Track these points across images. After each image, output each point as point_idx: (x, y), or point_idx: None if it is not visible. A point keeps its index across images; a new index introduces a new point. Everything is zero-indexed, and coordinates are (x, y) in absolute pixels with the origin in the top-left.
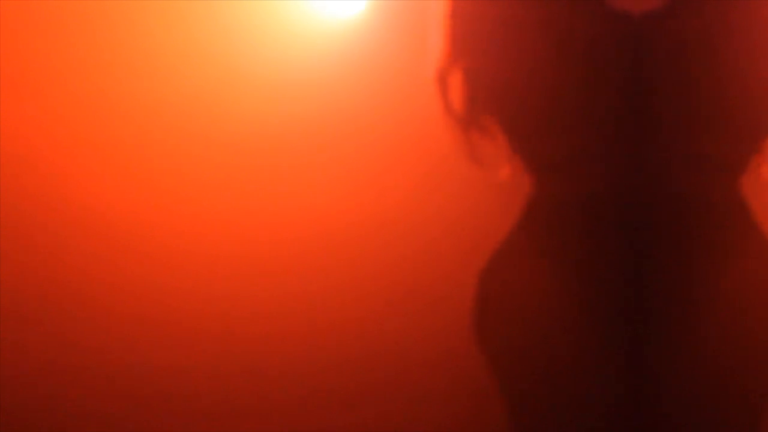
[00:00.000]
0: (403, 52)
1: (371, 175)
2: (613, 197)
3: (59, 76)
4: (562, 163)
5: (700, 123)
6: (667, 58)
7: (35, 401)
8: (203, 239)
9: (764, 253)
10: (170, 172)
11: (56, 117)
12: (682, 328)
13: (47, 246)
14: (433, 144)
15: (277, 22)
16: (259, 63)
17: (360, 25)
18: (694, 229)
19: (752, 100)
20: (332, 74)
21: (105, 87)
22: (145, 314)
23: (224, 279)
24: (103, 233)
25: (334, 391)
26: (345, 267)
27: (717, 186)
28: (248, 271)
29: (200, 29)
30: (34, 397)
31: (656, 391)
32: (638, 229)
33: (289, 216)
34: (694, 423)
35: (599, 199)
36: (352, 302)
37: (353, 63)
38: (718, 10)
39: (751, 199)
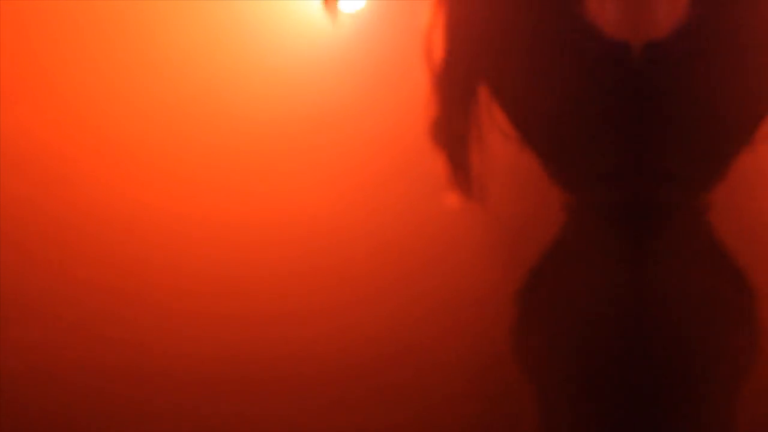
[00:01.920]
0: (403, 51)
1: (368, 172)
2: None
3: (66, 75)
4: (581, 179)
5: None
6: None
7: (43, 396)
8: (209, 234)
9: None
10: (174, 167)
11: (62, 113)
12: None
13: (58, 240)
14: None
15: (278, 21)
16: (260, 61)
17: (360, 24)
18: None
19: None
20: (332, 72)
21: (109, 84)
22: (148, 304)
23: (229, 270)
24: (109, 225)
25: (330, 386)
26: (345, 264)
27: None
28: (254, 262)
29: (201, 28)
30: (42, 392)
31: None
32: (653, 241)
33: (293, 208)
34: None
35: (611, 212)
36: (353, 299)
37: (353, 60)
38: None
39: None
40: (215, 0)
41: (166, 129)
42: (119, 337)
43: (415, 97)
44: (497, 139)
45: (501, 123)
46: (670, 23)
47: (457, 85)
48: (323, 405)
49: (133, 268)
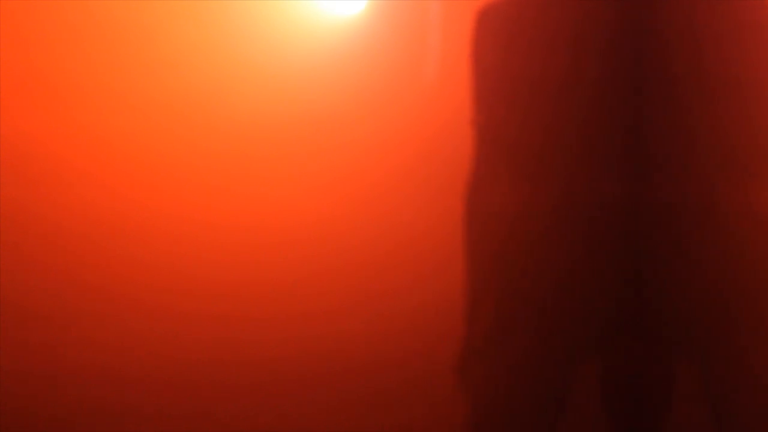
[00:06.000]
0: (403, 50)
1: (371, 174)
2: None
3: (65, 77)
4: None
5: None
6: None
7: (41, 398)
8: (210, 237)
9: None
10: (175, 169)
11: (60, 116)
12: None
13: (56, 243)
14: (429, 141)
15: (279, 20)
16: (261, 60)
17: (360, 24)
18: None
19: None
20: (333, 71)
21: (108, 87)
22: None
23: (230, 273)
24: (109, 228)
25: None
26: (348, 267)
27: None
28: (255, 265)
29: (201, 32)
30: (40, 394)
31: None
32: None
33: (293, 211)
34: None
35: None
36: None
37: (353, 60)
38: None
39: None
40: (215, 2)
41: (166, 131)
42: (116, 339)
43: (415, 98)
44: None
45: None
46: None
47: None
48: (322, 406)
49: (133, 271)
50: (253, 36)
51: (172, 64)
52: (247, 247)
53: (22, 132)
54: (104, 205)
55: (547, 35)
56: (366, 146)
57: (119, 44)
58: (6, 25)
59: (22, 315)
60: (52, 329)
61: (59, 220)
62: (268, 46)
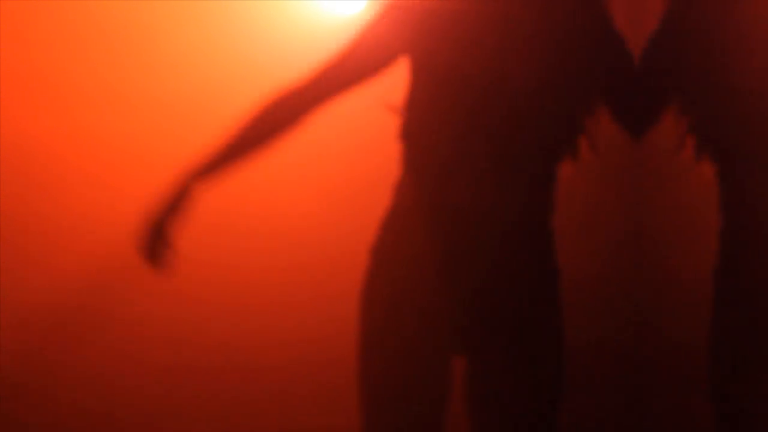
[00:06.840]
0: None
1: (365, 169)
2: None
3: (64, 77)
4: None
5: None
6: None
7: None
8: (210, 233)
9: None
10: (176, 166)
11: (59, 115)
12: None
13: (56, 241)
14: None
15: (279, 20)
16: (261, 60)
17: (360, 24)
18: None
19: None
20: None
21: (106, 86)
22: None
23: (225, 269)
24: (105, 225)
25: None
26: (337, 260)
27: None
28: (250, 261)
29: (198, 32)
30: (42, 392)
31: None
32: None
33: (288, 204)
34: None
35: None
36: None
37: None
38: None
39: None
40: (215, 3)
41: (166, 131)
42: (115, 340)
43: None
44: None
45: None
46: None
47: None
48: (322, 405)
49: (133, 270)
50: (253, 36)
51: (172, 64)
52: (248, 247)
53: (22, 132)
54: (104, 205)
55: (470, 34)
56: (366, 146)
57: (119, 44)
58: (6, 25)
59: (22, 315)
60: (52, 329)
61: (59, 220)
62: (268, 46)
